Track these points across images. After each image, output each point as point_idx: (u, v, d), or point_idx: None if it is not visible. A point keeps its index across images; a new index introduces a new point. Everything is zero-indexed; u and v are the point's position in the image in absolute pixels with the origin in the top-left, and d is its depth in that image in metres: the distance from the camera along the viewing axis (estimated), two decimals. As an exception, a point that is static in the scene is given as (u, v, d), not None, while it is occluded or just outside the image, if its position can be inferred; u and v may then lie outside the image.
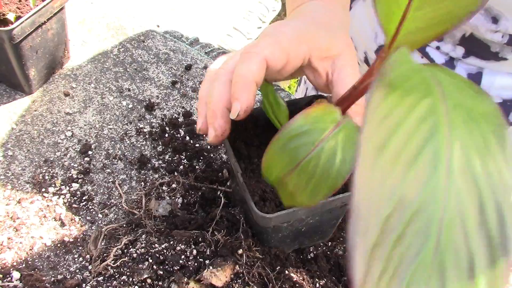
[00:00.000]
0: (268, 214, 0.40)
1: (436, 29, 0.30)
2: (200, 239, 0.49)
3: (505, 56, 0.56)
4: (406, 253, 0.22)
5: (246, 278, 0.46)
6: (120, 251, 0.49)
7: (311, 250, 0.52)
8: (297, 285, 0.47)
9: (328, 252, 0.53)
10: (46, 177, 0.57)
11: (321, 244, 0.53)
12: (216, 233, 0.48)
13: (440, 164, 0.23)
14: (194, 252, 0.47)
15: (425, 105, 0.25)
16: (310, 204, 0.36)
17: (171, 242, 0.48)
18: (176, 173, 0.58)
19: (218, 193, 0.55)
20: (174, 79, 0.69)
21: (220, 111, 0.40)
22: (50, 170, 0.58)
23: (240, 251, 0.47)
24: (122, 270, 0.47)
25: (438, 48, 0.59)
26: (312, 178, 0.34)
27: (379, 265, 0.22)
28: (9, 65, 0.63)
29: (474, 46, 0.57)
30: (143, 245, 0.49)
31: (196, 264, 0.47)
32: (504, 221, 0.23)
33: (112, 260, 0.48)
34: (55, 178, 0.57)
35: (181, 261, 0.46)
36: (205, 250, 0.48)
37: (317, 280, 0.49)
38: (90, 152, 0.60)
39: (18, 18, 0.60)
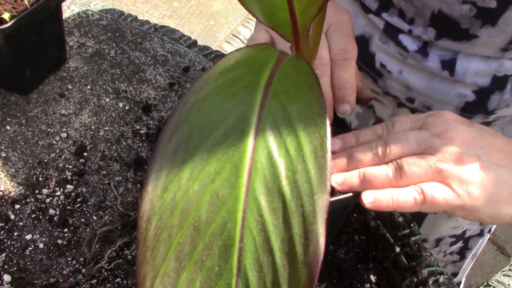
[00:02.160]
0: None
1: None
2: (197, 241, 0.47)
3: (476, 33, 0.53)
4: (207, 277, 0.21)
5: (245, 280, 0.45)
6: (114, 254, 0.48)
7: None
8: None
9: (329, 256, 0.52)
10: (40, 179, 0.56)
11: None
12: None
13: (239, 181, 0.22)
14: (191, 254, 0.46)
15: (237, 112, 0.24)
16: None
17: (167, 244, 0.47)
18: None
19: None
20: (171, 81, 0.68)
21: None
22: (44, 171, 0.57)
23: (238, 253, 0.46)
24: (116, 272, 0.46)
25: (410, 32, 0.58)
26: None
27: None
28: (3, 65, 0.62)
29: (444, 26, 0.55)
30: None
31: (193, 266, 0.45)
32: (311, 236, 0.21)
33: (106, 263, 0.47)
34: (49, 180, 0.56)
35: (177, 263, 0.45)
36: (202, 252, 0.46)
37: (318, 283, 0.47)
38: (85, 154, 0.59)
39: (13, 17, 0.59)
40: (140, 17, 0.78)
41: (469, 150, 0.39)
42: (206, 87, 0.24)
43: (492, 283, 0.65)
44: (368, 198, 0.38)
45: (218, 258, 0.21)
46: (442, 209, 0.38)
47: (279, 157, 0.23)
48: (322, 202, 0.22)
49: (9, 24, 0.56)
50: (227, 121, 0.23)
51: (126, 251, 0.47)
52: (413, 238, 0.55)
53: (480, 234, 0.83)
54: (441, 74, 0.58)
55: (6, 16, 0.60)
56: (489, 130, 0.43)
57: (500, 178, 0.39)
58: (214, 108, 0.24)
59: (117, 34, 0.74)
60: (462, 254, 0.84)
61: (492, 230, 0.84)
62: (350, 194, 0.39)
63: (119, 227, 0.51)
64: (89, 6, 0.78)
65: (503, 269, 0.70)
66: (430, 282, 0.51)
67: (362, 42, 0.62)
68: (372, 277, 0.50)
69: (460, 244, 0.82)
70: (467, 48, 0.56)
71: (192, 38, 0.77)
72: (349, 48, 0.48)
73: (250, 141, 0.23)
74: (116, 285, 0.44)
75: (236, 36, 1.41)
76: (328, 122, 0.23)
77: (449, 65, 0.57)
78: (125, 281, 0.44)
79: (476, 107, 0.59)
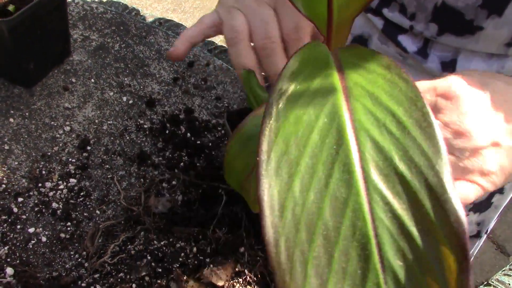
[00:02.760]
0: None
1: None
2: (200, 237, 0.47)
3: (481, 24, 0.52)
4: (353, 282, 0.21)
5: (248, 277, 0.45)
6: (117, 248, 0.48)
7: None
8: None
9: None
10: (43, 172, 0.56)
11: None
12: (217, 231, 0.47)
13: (353, 177, 0.22)
14: (195, 249, 0.46)
15: (326, 114, 0.23)
16: None
17: (171, 239, 0.47)
18: (176, 170, 0.57)
19: (220, 190, 0.54)
20: (175, 76, 0.68)
21: None
22: (48, 165, 0.57)
23: (241, 250, 0.46)
24: (119, 267, 0.46)
25: (411, 28, 0.57)
26: None
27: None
28: (7, 58, 0.62)
29: (448, 20, 0.54)
30: (141, 242, 0.47)
31: (196, 262, 0.45)
32: (446, 205, 0.21)
33: (109, 257, 0.46)
34: (52, 173, 0.56)
35: (180, 259, 0.45)
36: (205, 248, 0.46)
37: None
38: (88, 148, 0.59)
39: (18, 9, 0.59)
40: (143, 11, 0.78)
41: (484, 136, 0.38)
42: (283, 96, 0.24)
43: (493, 282, 0.65)
44: None
45: (358, 261, 0.21)
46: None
47: (384, 141, 0.22)
48: (446, 169, 0.21)
49: (13, 16, 0.56)
50: (318, 124, 0.23)
51: (129, 246, 0.47)
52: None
53: (477, 236, 0.83)
54: (442, 75, 0.57)
55: (11, 8, 0.59)
56: (502, 87, 0.40)
57: None
58: (300, 114, 0.23)
59: (122, 27, 0.74)
60: None
61: (489, 230, 0.84)
62: None
63: (122, 222, 0.51)
64: (93, -1, 0.78)
65: (503, 269, 0.70)
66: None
67: (361, 42, 0.62)
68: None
69: None
70: (470, 43, 0.55)
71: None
72: (301, 25, 0.46)
73: (351, 137, 0.23)
74: (119, 280, 0.44)
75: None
76: (420, 94, 0.23)
77: (449, 66, 0.57)
78: (128, 276, 0.44)
79: None
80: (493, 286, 0.65)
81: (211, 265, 0.44)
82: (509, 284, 0.66)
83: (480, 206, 0.74)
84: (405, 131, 0.22)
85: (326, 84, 0.25)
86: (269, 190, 0.21)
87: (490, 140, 0.38)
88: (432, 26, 0.55)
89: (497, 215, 0.80)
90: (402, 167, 0.22)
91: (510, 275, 0.68)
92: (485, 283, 0.66)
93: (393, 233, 0.21)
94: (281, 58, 0.46)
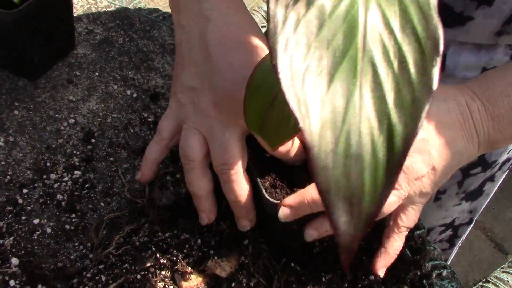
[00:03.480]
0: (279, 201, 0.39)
1: None
2: (204, 229, 0.48)
3: (470, 14, 0.53)
4: (332, 54, 0.23)
5: (251, 269, 0.45)
6: (122, 240, 0.48)
7: (316, 245, 0.51)
8: (303, 277, 0.46)
9: (335, 247, 0.52)
10: (48, 164, 0.56)
11: (327, 239, 0.52)
12: (221, 223, 0.47)
13: None
14: (199, 241, 0.46)
15: None
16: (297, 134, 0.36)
17: (175, 231, 0.47)
18: (180, 163, 0.57)
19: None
20: (179, 70, 0.68)
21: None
22: (52, 157, 0.57)
23: (245, 242, 0.46)
24: (124, 258, 0.46)
25: None
26: None
27: (302, 62, 0.23)
28: (12, 50, 0.62)
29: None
30: (146, 233, 0.48)
31: (200, 253, 0.46)
32: (430, 18, 0.24)
33: (114, 248, 0.47)
34: (57, 165, 0.56)
35: (185, 250, 0.45)
36: (210, 240, 0.47)
37: (323, 274, 0.48)
38: (93, 140, 0.59)
39: (23, 2, 0.59)
40: (146, 5, 0.78)
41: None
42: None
43: (491, 279, 0.66)
44: None
45: (343, 38, 0.23)
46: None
47: None
48: None
49: (19, 8, 0.56)
50: None
51: (134, 237, 0.48)
52: (417, 232, 0.55)
53: (469, 222, 0.84)
54: None
55: (16, 0, 0.60)
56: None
57: (455, 158, 0.43)
58: None
59: (126, 21, 0.74)
60: (452, 242, 0.85)
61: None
62: None
63: (127, 214, 0.51)
64: (97, -8, 0.78)
65: (502, 266, 0.71)
66: (434, 275, 0.52)
67: None
68: (377, 269, 0.50)
69: (449, 232, 0.83)
70: (460, 35, 0.55)
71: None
72: (229, 160, 0.43)
73: None
74: (124, 270, 0.45)
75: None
76: None
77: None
78: (133, 267, 0.45)
79: None
80: (492, 283, 0.66)
81: (215, 257, 0.45)
82: (508, 281, 0.66)
83: (473, 195, 0.75)
84: None
85: None
86: None
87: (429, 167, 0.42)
88: None
89: (487, 202, 0.81)
90: None
91: (508, 272, 0.68)
92: (484, 280, 0.67)
93: (378, 26, 0.24)
94: (240, 185, 0.44)
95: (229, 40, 0.44)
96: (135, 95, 0.65)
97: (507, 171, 0.78)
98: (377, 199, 0.23)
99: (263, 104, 0.35)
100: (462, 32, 0.54)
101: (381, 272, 0.46)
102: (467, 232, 0.87)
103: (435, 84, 0.23)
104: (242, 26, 0.45)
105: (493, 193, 0.81)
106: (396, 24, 0.24)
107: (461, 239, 0.87)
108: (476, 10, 0.52)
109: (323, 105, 0.23)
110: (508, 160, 0.74)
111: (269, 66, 0.33)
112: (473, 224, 0.86)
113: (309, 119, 0.22)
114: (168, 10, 0.74)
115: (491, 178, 0.75)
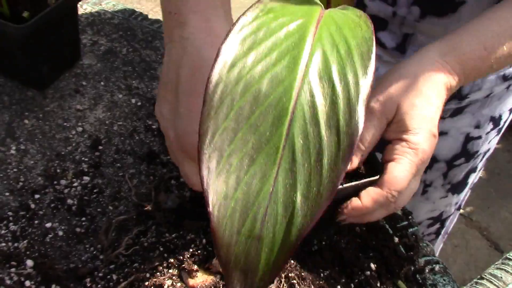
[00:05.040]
0: None
1: None
2: (209, 229, 0.50)
3: None
4: (259, 139, 0.26)
5: (254, 267, 0.48)
6: (131, 241, 0.51)
7: (315, 243, 0.54)
8: (302, 274, 0.49)
9: (332, 245, 0.55)
10: (58, 170, 0.59)
11: (325, 237, 0.55)
12: (224, 224, 0.50)
13: (297, 68, 0.27)
14: (204, 241, 0.49)
15: (297, 23, 0.29)
16: None
17: (181, 232, 0.50)
18: (184, 168, 0.60)
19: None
20: (181, 79, 0.71)
21: None
22: (62, 163, 0.60)
23: (248, 241, 0.49)
24: (133, 258, 0.49)
25: (394, 14, 0.59)
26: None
27: (227, 146, 0.26)
28: (22, 62, 0.65)
29: (430, 0, 0.56)
30: (153, 235, 0.50)
31: (205, 253, 0.48)
32: (353, 113, 0.27)
33: (123, 249, 0.50)
34: (67, 172, 0.59)
35: (191, 250, 0.48)
36: (214, 239, 0.49)
37: (321, 270, 0.51)
38: (100, 147, 0.62)
39: (32, 16, 0.62)
40: (150, 16, 0.81)
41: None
42: (270, 3, 0.29)
43: (486, 276, 0.69)
44: None
45: (270, 125, 0.26)
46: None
47: (331, 55, 0.27)
48: (365, 89, 0.26)
49: (29, 22, 0.59)
50: (288, 26, 0.28)
51: (142, 239, 0.50)
52: (411, 229, 0.58)
53: (455, 214, 0.87)
54: None
55: (25, 14, 0.63)
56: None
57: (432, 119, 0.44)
58: (278, 15, 0.29)
59: (128, 32, 0.77)
60: (438, 233, 0.88)
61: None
62: (368, 179, 0.43)
63: (134, 217, 0.54)
64: (100, 5, 0.81)
65: (496, 263, 0.74)
66: (427, 270, 0.55)
67: None
68: (372, 265, 0.53)
69: (437, 225, 0.86)
70: (452, 23, 0.57)
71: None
72: None
73: (308, 41, 0.28)
74: (133, 270, 0.47)
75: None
76: (374, 38, 0.28)
77: None
78: (142, 266, 0.47)
79: (452, 94, 0.63)
80: (486, 279, 0.68)
81: (220, 256, 0.47)
82: (501, 277, 0.69)
83: (457, 187, 0.78)
84: (350, 55, 0.28)
85: (309, 8, 0.30)
86: (229, 50, 0.27)
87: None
88: (415, 9, 0.57)
89: (469, 191, 0.85)
90: (335, 77, 0.27)
91: (502, 269, 0.71)
92: (479, 277, 0.70)
93: (306, 117, 0.26)
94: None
95: (197, 81, 0.42)
96: (139, 103, 0.67)
97: (485, 160, 0.81)
98: (268, 274, 0.26)
99: None
100: (453, 20, 0.56)
101: (340, 217, 0.46)
102: (452, 223, 0.90)
103: (339, 183, 0.26)
104: None
105: (488, 193, 0.84)
106: (323, 115, 0.26)
107: (445, 229, 0.89)
108: None
109: (239, 186, 0.26)
110: (488, 150, 0.77)
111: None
112: (457, 214, 0.89)
113: (219, 203, 0.25)
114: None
115: (474, 170, 0.78)
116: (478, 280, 0.68)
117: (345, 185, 0.44)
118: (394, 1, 0.58)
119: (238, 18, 0.27)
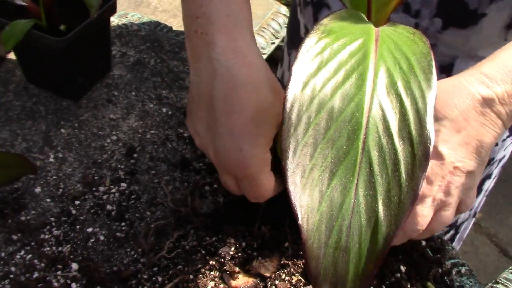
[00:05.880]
0: None
1: None
2: (247, 233, 0.52)
3: (484, 10, 0.56)
4: (336, 153, 0.28)
5: (292, 269, 0.50)
6: (172, 245, 0.53)
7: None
8: (338, 275, 0.51)
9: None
10: (96, 178, 0.61)
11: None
12: (262, 227, 0.52)
13: (364, 84, 0.30)
14: (243, 244, 0.51)
15: (358, 43, 0.31)
16: None
17: (220, 236, 0.52)
18: (217, 174, 0.62)
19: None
20: (209, 88, 0.74)
21: None
22: (99, 171, 0.62)
23: (286, 244, 0.51)
24: (176, 261, 0.51)
25: (417, 25, 0.60)
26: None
27: (308, 161, 0.28)
28: (58, 73, 0.67)
29: (452, 12, 0.57)
30: (194, 238, 0.52)
31: (245, 255, 0.50)
32: (424, 123, 0.28)
33: (166, 252, 0.52)
34: (104, 178, 0.61)
35: (231, 253, 0.50)
36: (252, 243, 0.51)
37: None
38: (135, 155, 0.64)
39: (68, 29, 0.65)
40: (175, 28, 0.84)
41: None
42: (329, 25, 0.32)
43: (500, 280, 0.71)
44: None
45: (346, 139, 0.28)
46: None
47: (395, 71, 0.30)
48: (431, 100, 0.28)
49: (68, 36, 0.61)
50: (351, 46, 0.31)
51: (183, 242, 0.52)
52: (436, 233, 0.60)
53: (470, 221, 0.88)
54: (439, 77, 0.63)
55: (62, 28, 0.65)
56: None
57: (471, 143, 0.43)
58: (339, 35, 0.31)
59: (155, 44, 0.79)
60: (452, 240, 0.90)
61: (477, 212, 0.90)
62: None
63: (173, 221, 0.56)
64: (126, 17, 0.84)
65: (510, 267, 0.76)
66: (453, 272, 0.57)
67: None
68: (402, 268, 0.55)
69: (452, 232, 0.88)
70: (474, 34, 0.58)
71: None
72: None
73: (371, 59, 0.30)
74: (178, 271, 0.49)
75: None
76: (432, 53, 0.30)
77: (447, 69, 0.62)
78: (185, 268, 0.49)
79: None
80: (502, 284, 0.71)
81: (259, 258, 0.49)
82: (516, 281, 0.71)
83: None
84: (412, 70, 0.30)
85: (364, 27, 0.33)
86: (300, 71, 0.29)
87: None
88: (437, 21, 0.59)
89: (485, 197, 0.86)
90: (402, 91, 0.29)
91: (516, 273, 0.73)
92: (494, 281, 0.72)
93: (379, 130, 0.29)
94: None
95: (233, 101, 0.43)
96: (170, 112, 0.70)
97: (501, 168, 0.83)
98: (357, 285, 0.28)
99: None
100: (475, 32, 0.58)
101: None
102: (469, 230, 0.92)
103: (420, 190, 0.27)
104: (248, 83, 0.43)
105: (497, 200, 0.86)
106: (395, 127, 0.28)
107: (459, 236, 0.91)
108: (490, 5, 0.55)
109: (323, 199, 0.28)
110: (503, 157, 0.79)
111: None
112: (472, 221, 0.91)
113: (307, 216, 0.27)
114: (180, 30, 0.78)
115: (489, 176, 0.80)
116: (493, 285, 0.71)
117: None
118: (417, 12, 0.61)
119: (303, 40, 0.30)
